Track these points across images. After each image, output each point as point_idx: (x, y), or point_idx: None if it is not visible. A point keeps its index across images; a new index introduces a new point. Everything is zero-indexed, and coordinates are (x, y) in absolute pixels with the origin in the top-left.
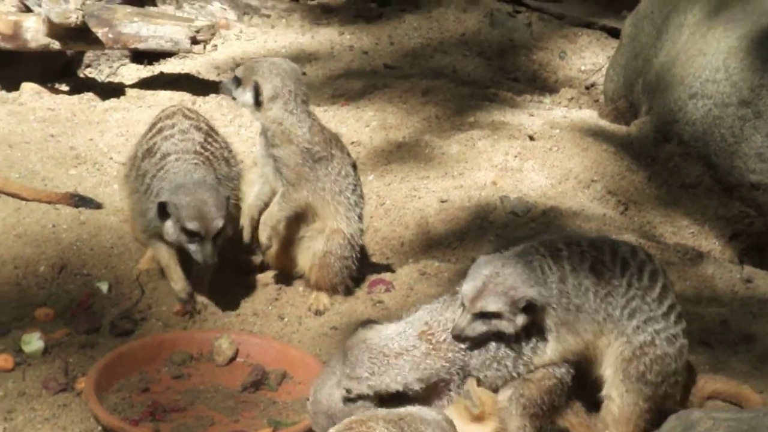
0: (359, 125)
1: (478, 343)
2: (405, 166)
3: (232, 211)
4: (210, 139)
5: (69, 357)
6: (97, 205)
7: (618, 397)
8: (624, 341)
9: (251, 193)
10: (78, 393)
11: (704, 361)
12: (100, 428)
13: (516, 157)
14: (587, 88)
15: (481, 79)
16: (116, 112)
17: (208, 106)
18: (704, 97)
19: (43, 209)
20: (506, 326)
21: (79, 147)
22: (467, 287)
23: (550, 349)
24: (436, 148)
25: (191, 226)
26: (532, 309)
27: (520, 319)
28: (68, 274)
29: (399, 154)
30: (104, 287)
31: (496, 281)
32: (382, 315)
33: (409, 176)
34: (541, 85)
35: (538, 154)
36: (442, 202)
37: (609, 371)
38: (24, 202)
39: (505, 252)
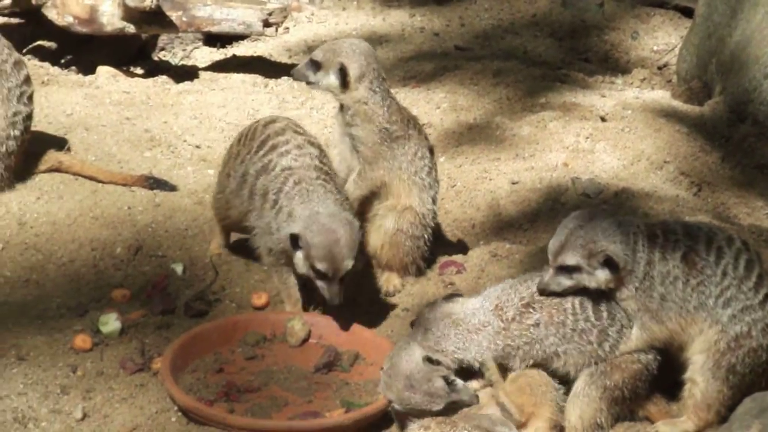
0: (430, 107)
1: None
2: (476, 148)
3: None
4: (323, 153)
5: (145, 337)
6: (172, 188)
7: (703, 382)
8: (719, 330)
9: None
10: (154, 373)
11: None
12: (175, 408)
13: (587, 138)
14: (660, 68)
15: (553, 60)
16: (190, 95)
17: (280, 88)
18: None
19: (119, 192)
20: (588, 280)
21: (154, 130)
22: (551, 242)
23: (635, 336)
24: (507, 129)
25: (321, 267)
26: (613, 265)
27: (601, 274)
28: (144, 255)
29: (470, 135)
30: (179, 269)
31: (577, 234)
32: None
33: (480, 158)
34: (613, 65)
35: (610, 135)
36: (514, 183)
37: (699, 357)
38: (100, 184)
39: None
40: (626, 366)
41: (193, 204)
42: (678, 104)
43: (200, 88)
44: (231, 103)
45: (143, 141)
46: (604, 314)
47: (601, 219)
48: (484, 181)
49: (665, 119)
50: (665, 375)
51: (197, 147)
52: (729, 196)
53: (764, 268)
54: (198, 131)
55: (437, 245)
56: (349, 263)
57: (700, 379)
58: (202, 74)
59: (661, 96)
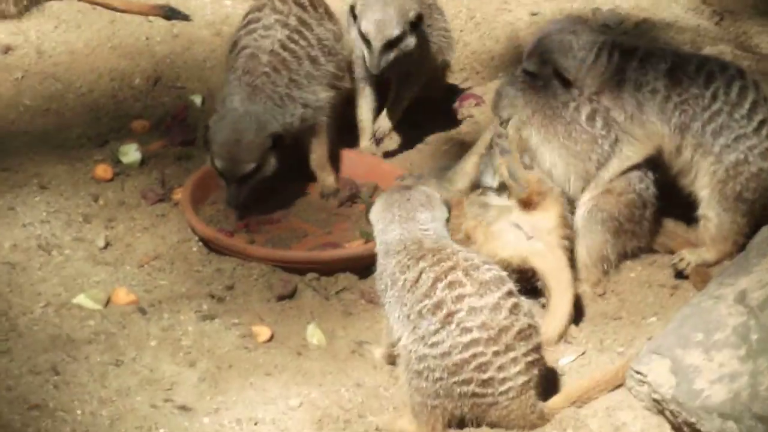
0: None
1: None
2: None
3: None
4: (297, 36)
5: (165, 168)
6: (185, 17)
7: (715, 216)
8: (713, 161)
9: None
10: (175, 204)
11: None
12: (196, 238)
13: None
14: None
15: None
16: None
17: None
18: None
19: (136, 21)
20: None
21: None
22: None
23: (624, 147)
24: None
25: (217, 165)
26: (561, 77)
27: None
28: (163, 86)
29: None
30: (198, 100)
31: (542, 43)
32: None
33: None
34: None
35: None
36: (533, 14)
37: (704, 192)
38: (118, 14)
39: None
40: (621, 197)
41: (211, 35)
42: None
43: None
44: None
45: None
46: (599, 123)
47: (570, 33)
48: (503, 12)
49: None
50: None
51: None
52: (751, 24)
53: (761, 94)
54: None
55: (456, 78)
56: (246, 166)
57: (712, 213)
58: None
59: None
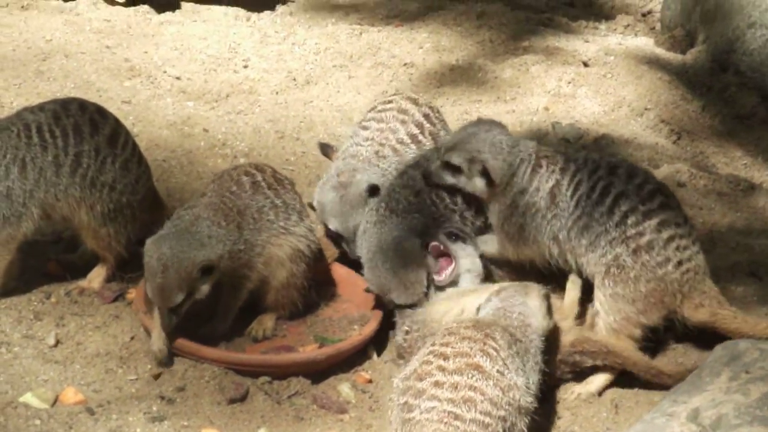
0: (413, 47)
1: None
2: (457, 89)
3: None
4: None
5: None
6: None
7: (605, 306)
8: (585, 261)
9: None
10: (128, 303)
11: (753, 293)
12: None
13: (569, 83)
14: (644, 15)
15: (537, 4)
16: (171, 25)
17: (262, 22)
18: (763, 26)
19: None
20: (466, 183)
21: (134, 59)
22: (448, 138)
23: (492, 244)
24: (489, 72)
25: (150, 295)
26: (489, 178)
27: (478, 182)
28: None
29: (452, 77)
30: None
31: (469, 139)
32: None
33: (461, 99)
34: (597, 11)
35: (592, 80)
36: None
37: (595, 287)
38: None
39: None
40: None
41: (172, 135)
42: (661, 52)
43: (182, 19)
44: (212, 36)
45: (123, 70)
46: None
47: (500, 134)
48: (464, 123)
49: (647, 66)
50: None
51: (177, 78)
52: (708, 145)
53: (627, 187)
54: (179, 62)
55: None
56: (176, 297)
57: (599, 307)
58: (184, 5)
59: (644, 43)
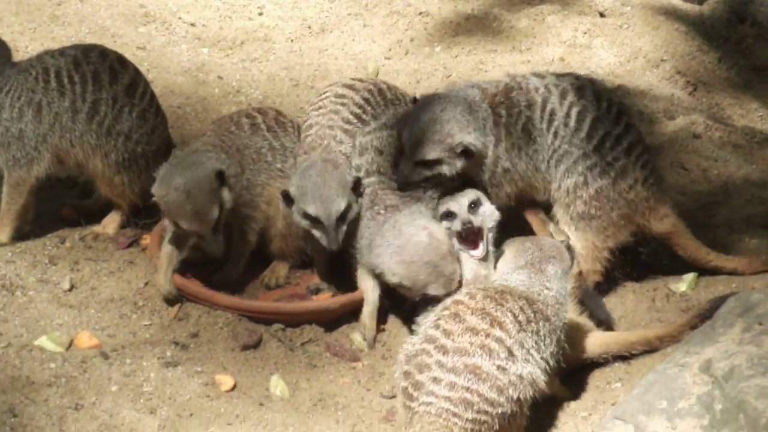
0: None
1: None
2: (473, 39)
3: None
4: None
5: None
6: None
7: (572, 236)
8: (556, 187)
9: None
10: (142, 249)
11: (767, 244)
12: None
13: (585, 33)
14: None
15: None
16: None
17: None
18: None
19: None
20: (447, 169)
21: (149, 5)
22: (405, 135)
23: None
24: (504, 21)
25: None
26: (469, 154)
27: (459, 163)
28: None
29: (467, 26)
30: None
31: (432, 129)
32: None
33: (476, 49)
34: None
35: (608, 31)
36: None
37: (557, 212)
38: None
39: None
40: None
41: (187, 82)
42: (677, 2)
43: None
44: None
45: (138, 16)
46: None
47: (452, 108)
48: (479, 73)
49: (664, 17)
50: None
51: (192, 25)
52: (724, 96)
53: (599, 112)
54: (193, 9)
55: None
56: (212, 213)
57: (569, 234)
58: None
59: None
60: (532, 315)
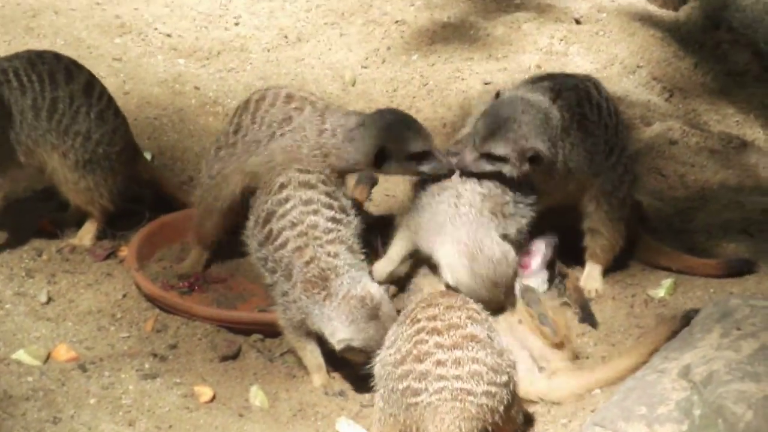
0: (404, 4)
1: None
2: (449, 47)
3: None
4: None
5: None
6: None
7: (604, 228)
8: (601, 179)
9: None
10: (120, 260)
11: (744, 249)
12: (141, 296)
13: (561, 40)
14: None
15: None
16: None
17: None
18: None
19: None
20: (510, 170)
21: (125, 16)
22: (481, 125)
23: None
24: (481, 29)
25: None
26: (538, 161)
27: (526, 167)
28: None
29: (443, 34)
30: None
31: (509, 127)
32: None
33: (452, 57)
34: None
35: (584, 37)
36: (486, 84)
37: (589, 206)
38: None
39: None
40: None
41: (163, 93)
42: (653, 8)
43: None
44: None
45: (113, 27)
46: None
47: (533, 113)
48: (456, 81)
49: (640, 23)
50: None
51: (168, 35)
52: (700, 102)
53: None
54: (169, 19)
55: None
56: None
57: (602, 227)
58: None
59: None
60: None
